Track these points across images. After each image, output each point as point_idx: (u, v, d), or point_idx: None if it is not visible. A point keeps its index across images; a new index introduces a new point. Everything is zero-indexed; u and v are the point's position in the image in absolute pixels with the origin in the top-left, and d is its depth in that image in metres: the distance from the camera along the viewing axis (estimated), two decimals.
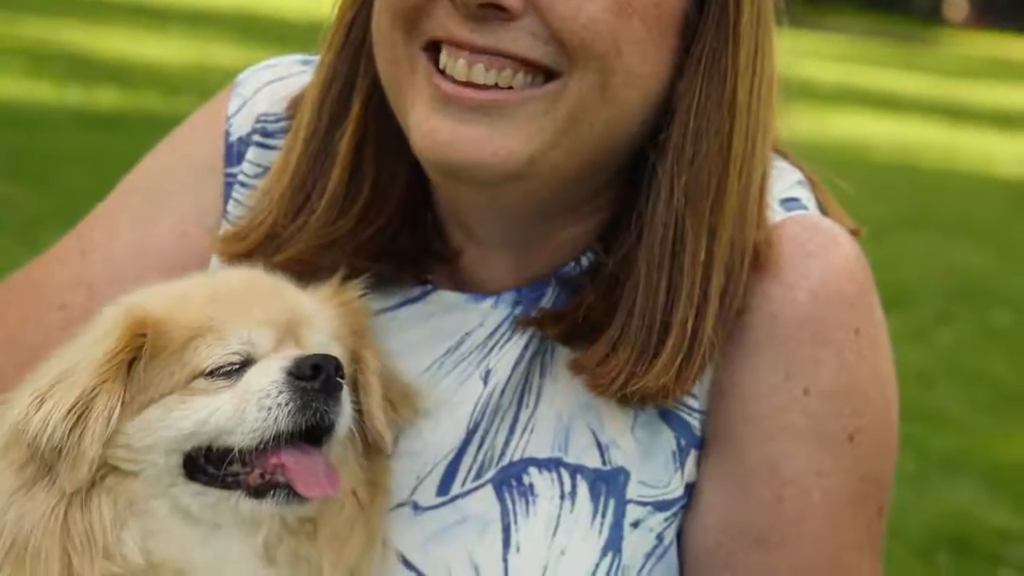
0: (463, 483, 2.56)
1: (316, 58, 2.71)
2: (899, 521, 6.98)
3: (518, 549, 2.51)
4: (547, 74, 2.44)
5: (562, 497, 2.53)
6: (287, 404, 2.36)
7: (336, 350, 2.48)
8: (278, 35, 19.09)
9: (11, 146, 11.98)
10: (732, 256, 2.50)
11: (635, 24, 2.42)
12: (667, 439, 2.55)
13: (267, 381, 2.37)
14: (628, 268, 2.51)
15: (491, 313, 2.62)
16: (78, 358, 2.44)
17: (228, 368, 2.41)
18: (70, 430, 2.37)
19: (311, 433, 2.38)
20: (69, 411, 2.38)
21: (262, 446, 2.36)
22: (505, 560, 2.51)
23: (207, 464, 2.40)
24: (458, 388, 2.60)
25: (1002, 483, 8.24)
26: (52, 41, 16.29)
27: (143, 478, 2.40)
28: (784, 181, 2.63)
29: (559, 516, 2.52)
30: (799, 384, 2.52)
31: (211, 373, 2.41)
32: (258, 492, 2.39)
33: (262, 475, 2.38)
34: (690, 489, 2.56)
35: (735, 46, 2.47)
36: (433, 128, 2.45)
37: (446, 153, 2.46)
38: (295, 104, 2.76)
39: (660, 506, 2.55)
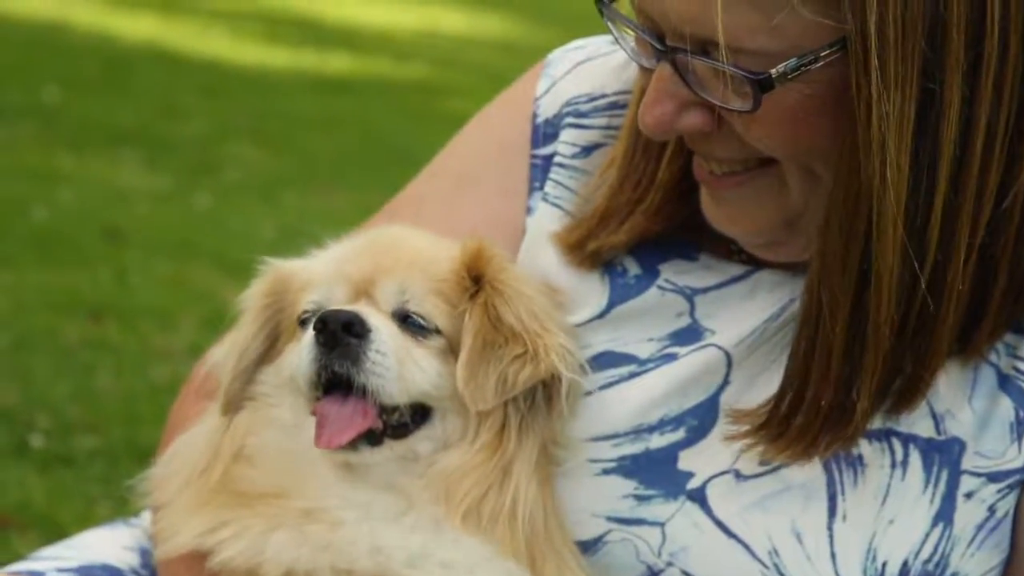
0: None
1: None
2: None
3: (844, 518, 2.52)
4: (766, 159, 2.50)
5: (893, 466, 2.52)
6: (307, 355, 2.51)
7: (423, 306, 2.56)
8: (504, 1, 19.22)
9: (252, 110, 12.23)
10: None
11: (809, 124, 2.41)
12: (1006, 409, 2.54)
13: (308, 334, 2.52)
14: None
15: None
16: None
17: (306, 317, 2.58)
18: (221, 365, 2.69)
19: (346, 384, 2.50)
20: (225, 351, 2.68)
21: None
22: (830, 528, 2.52)
23: None
24: (779, 355, 2.60)
25: None
26: (287, 7, 16.59)
27: (287, 407, 2.61)
28: None
29: (889, 485, 2.52)
30: None
31: (300, 321, 2.60)
32: None
33: None
34: None
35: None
36: (703, 197, 2.61)
37: (715, 224, 2.61)
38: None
39: (994, 477, 2.53)
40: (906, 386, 2.48)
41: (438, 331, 2.58)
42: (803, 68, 2.36)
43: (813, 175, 2.48)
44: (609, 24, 2.55)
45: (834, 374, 2.44)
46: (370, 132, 12.15)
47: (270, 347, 2.68)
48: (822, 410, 2.46)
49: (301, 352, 2.54)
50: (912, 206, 2.35)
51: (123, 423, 6.30)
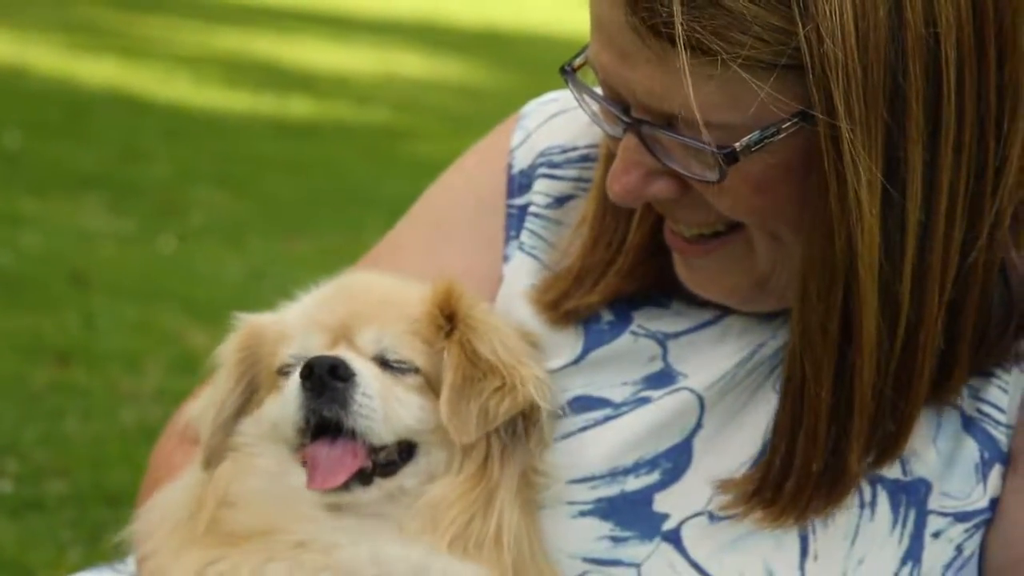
0: None
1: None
2: None
3: (816, 557, 2.58)
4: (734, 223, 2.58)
5: (861, 507, 2.59)
6: (294, 401, 2.58)
7: (401, 349, 2.65)
8: (459, 44, 19.33)
9: (215, 153, 12.28)
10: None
11: (775, 192, 2.48)
12: (970, 451, 2.61)
13: (294, 381, 2.59)
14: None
15: (783, 327, 2.69)
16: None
17: (287, 368, 2.65)
18: (200, 419, 2.75)
19: (334, 427, 2.58)
20: (202, 405, 2.75)
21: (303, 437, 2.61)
22: (802, 568, 2.58)
23: None
24: (749, 399, 2.69)
25: None
26: (247, 51, 16.64)
27: (269, 456, 2.67)
28: None
29: (858, 525, 2.59)
30: None
31: (280, 372, 2.67)
32: None
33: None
34: (994, 504, 2.60)
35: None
36: (676, 261, 2.67)
37: (690, 286, 2.67)
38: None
39: (961, 517, 2.60)
40: (888, 441, 2.55)
41: (416, 370, 2.66)
42: (766, 140, 2.43)
43: (779, 240, 2.55)
44: (572, 89, 2.61)
45: (822, 439, 2.51)
46: (332, 175, 12.21)
47: (248, 399, 2.74)
48: (813, 475, 2.53)
49: (286, 399, 2.61)
50: (884, 271, 2.42)
51: (92, 467, 6.32)
